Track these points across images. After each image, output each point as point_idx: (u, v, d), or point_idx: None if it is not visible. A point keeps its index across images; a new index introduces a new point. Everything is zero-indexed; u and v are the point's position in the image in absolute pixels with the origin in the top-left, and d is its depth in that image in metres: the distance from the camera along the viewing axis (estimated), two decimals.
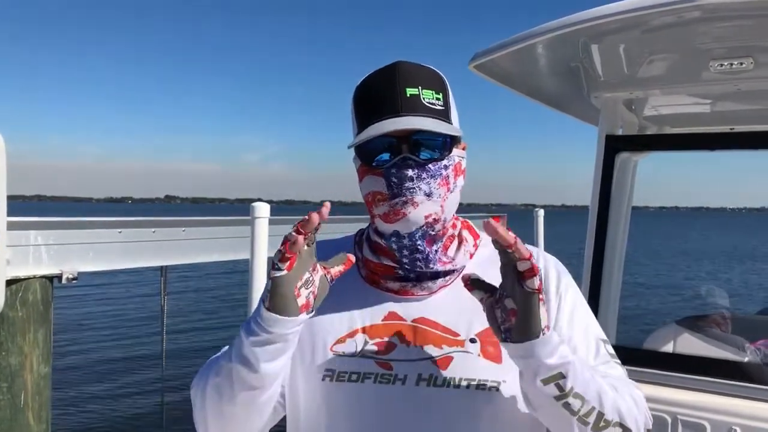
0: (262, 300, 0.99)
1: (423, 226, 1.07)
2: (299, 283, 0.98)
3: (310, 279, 1.00)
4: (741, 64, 2.17)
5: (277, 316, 0.97)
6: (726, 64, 2.19)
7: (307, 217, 0.94)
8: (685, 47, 2.23)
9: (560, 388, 0.94)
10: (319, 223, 0.95)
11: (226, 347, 1.10)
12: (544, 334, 0.92)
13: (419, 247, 1.08)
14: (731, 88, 2.44)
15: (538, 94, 2.85)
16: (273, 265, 0.98)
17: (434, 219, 1.08)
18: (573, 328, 1.13)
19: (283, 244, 0.96)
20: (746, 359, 2.38)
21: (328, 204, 0.96)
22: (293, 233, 0.94)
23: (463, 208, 1.26)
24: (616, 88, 2.61)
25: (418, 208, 1.06)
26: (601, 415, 0.98)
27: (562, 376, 0.94)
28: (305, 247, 0.97)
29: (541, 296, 0.92)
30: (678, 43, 2.20)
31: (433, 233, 1.09)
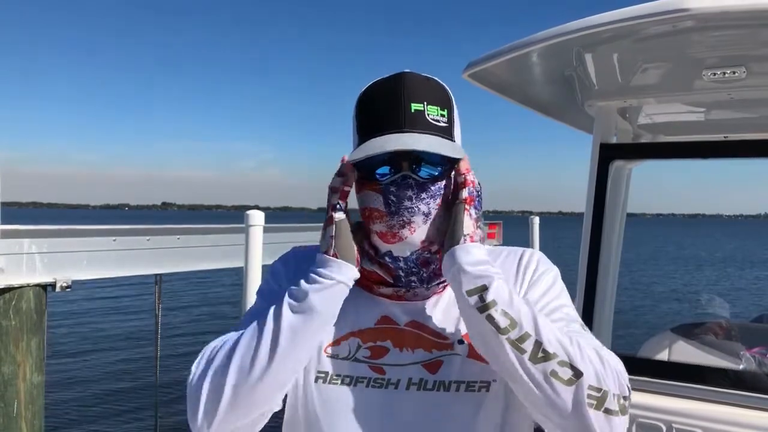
0: (323, 251, 1.04)
1: (418, 249, 1.07)
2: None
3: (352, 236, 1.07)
4: (734, 73, 2.18)
5: (343, 261, 1.03)
6: (719, 73, 2.20)
7: (343, 170, 1.06)
8: (679, 56, 2.25)
9: (482, 299, 0.98)
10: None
11: (219, 340, 1.05)
12: (465, 241, 1.01)
13: (413, 270, 1.09)
14: (724, 96, 2.45)
15: (532, 102, 2.85)
16: (332, 207, 1.05)
17: (430, 242, 1.08)
18: (542, 302, 1.10)
19: (332, 191, 1.06)
20: (741, 367, 2.37)
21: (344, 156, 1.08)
22: (338, 180, 1.06)
23: None
24: (610, 96, 2.62)
25: (414, 233, 1.06)
26: (538, 344, 0.94)
27: (485, 288, 0.98)
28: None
29: (466, 207, 1.03)
30: (671, 52, 2.21)
31: (428, 256, 1.09)
